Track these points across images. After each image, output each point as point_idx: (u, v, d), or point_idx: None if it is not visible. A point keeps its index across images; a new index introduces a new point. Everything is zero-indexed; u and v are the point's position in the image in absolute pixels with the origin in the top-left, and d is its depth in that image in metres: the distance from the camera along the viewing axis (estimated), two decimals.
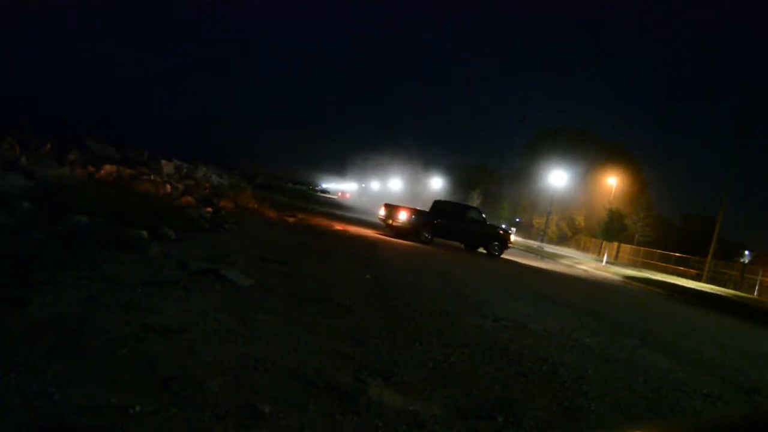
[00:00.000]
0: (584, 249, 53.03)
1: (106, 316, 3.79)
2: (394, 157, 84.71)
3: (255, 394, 3.00)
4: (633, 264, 41.26)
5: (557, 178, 43.39)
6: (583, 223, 57.49)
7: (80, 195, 9.23)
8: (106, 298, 4.15)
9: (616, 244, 47.31)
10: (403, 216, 17.82)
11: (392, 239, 17.03)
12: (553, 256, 30.15)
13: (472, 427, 3.17)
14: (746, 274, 35.29)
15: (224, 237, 9.40)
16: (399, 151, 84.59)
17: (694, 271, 37.41)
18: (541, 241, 43.98)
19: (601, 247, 47.29)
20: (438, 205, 19.28)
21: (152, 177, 15.19)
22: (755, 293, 31.11)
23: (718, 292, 23.89)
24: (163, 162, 20.26)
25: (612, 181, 49.85)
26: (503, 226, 26.56)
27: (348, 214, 30.17)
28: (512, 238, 20.69)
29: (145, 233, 6.89)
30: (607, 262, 34.45)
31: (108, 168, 13.79)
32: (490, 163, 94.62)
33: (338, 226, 18.62)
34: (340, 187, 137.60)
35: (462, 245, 19.06)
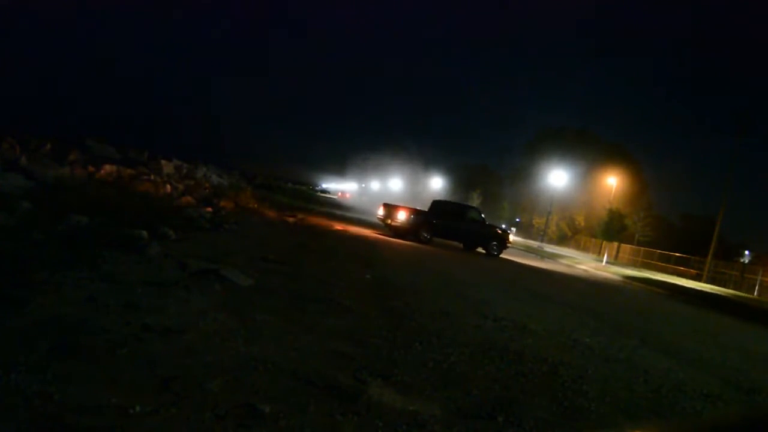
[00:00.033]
0: (584, 249, 53.02)
1: (106, 316, 3.79)
2: (394, 157, 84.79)
3: (255, 394, 3.00)
4: (633, 264, 41.25)
5: (557, 178, 43.38)
6: (583, 223, 57.48)
7: (80, 195, 9.22)
8: (106, 298, 4.15)
9: (616, 244, 47.31)
10: (402, 216, 17.81)
11: (392, 239, 17.03)
12: (553, 256, 30.15)
13: (472, 427, 3.17)
14: (746, 274, 35.29)
15: (224, 237, 9.40)
16: (399, 151, 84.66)
17: (694, 271, 37.41)
18: (541, 241, 43.96)
19: (601, 247, 47.29)
20: (437, 204, 19.27)
21: (152, 177, 15.19)
22: (755, 293, 31.10)
23: (718, 292, 23.89)
24: (163, 162, 20.28)
25: (612, 181, 49.83)
26: (503, 226, 26.56)
27: (348, 214, 30.17)
28: (511, 238, 20.69)
29: (145, 233, 6.89)
30: (607, 262, 34.45)
31: (108, 168, 13.80)
32: (490, 163, 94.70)
33: (338, 226, 18.62)
34: (340, 187, 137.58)
35: (461, 245, 19.06)
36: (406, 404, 3.27)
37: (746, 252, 50.73)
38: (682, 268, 38.87)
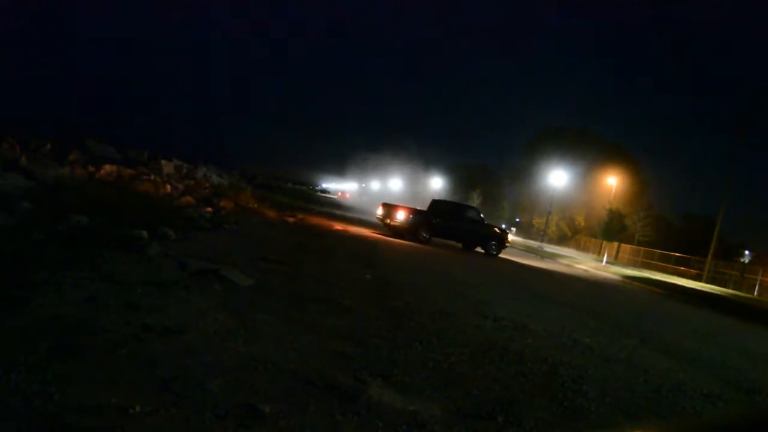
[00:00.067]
0: (584, 249, 53.01)
1: (106, 316, 3.79)
2: (394, 157, 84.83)
3: (255, 394, 3.00)
4: (633, 264, 41.25)
5: (557, 178, 43.38)
6: (583, 223, 57.49)
7: (80, 195, 9.22)
8: (106, 298, 4.15)
9: (616, 244, 47.32)
10: (401, 215, 17.81)
11: (391, 239, 17.02)
12: (553, 256, 30.15)
13: (472, 427, 3.17)
14: (746, 274, 35.29)
15: (224, 237, 9.41)
16: (399, 151, 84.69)
17: (695, 271, 37.41)
18: (541, 241, 43.95)
19: (601, 247, 47.31)
20: (436, 204, 19.27)
21: (152, 177, 15.19)
22: (755, 293, 31.10)
23: (718, 292, 23.89)
24: (163, 162, 20.27)
25: (612, 181, 49.86)
26: (503, 226, 26.55)
27: (348, 214, 30.17)
28: (510, 237, 20.67)
29: (145, 233, 6.88)
30: (607, 262, 34.45)
31: (108, 168, 13.79)
32: (490, 163, 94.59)
33: (338, 226, 18.63)
34: (340, 187, 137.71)
35: (460, 245, 19.06)
36: (406, 404, 3.27)
37: (746, 252, 50.75)
38: (682, 268, 38.86)
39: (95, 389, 2.70)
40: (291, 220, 16.87)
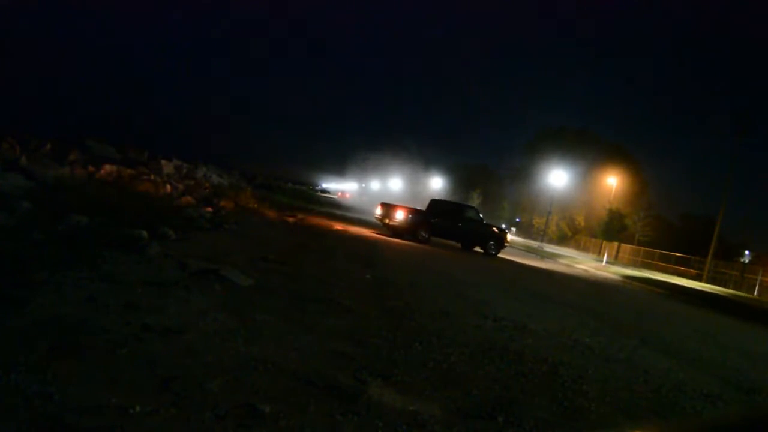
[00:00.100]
0: (584, 249, 53.01)
1: (106, 316, 3.79)
2: (394, 157, 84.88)
3: (255, 394, 3.00)
4: (633, 264, 41.25)
5: (557, 178, 43.39)
6: (583, 223, 57.49)
7: (80, 195, 9.22)
8: (106, 298, 4.15)
9: (616, 244, 47.33)
10: (400, 215, 17.79)
11: (391, 239, 17.02)
12: (553, 256, 30.15)
13: (472, 427, 3.17)
14: (746, 274, 35.29)
15: (224, 237, 9.41)
16: (399, 151, 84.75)
17: (695, 271, 37.41)
18: (541, 241, 43.95)
19: (601, 247, 47.31)
20: (435, 204, 19.25)
21: (152, 177, 15.19)
22: (755, 293, 31.10)
23: (719, 292, 23.89)
24: (163, 162, 20.27)
25: (612, 181, 49.86)
26: (503, 226, 26.57)
27: (348, 214, 30.17)
28: (510, 237, 20.66)
29: (145, 233, 6.88)
30: (607, 262, 34.45)
31: (108, 168, 13.78)
32: (490, 163, 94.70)
33: (338, 226, 18.63)
34: (340, 187, 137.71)
35: (458, 244, 19.06)
36: (406, 404, 3.27)
37: (746, 252, 50.75)
38: (682, 268, 38.86)
39: (95, 389, 2.70)
40: (291, 220, 16.87)
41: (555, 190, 43.53)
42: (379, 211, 19.03)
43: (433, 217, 18.06)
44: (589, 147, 53.91)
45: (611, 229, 47.66)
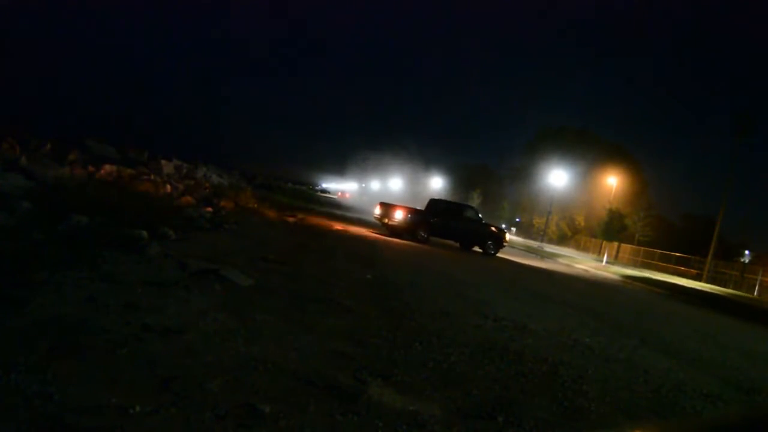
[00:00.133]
0: (584, 249, 53.03)
1: (106, 316, 3.79)
2: (394, 156, 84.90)
3: (255, 394, 3.00)
4: (633, 264, 41.26)
5: (557, 178, 43.37)
6: (583, 223, 57.49)
7: (80, 195, 9.21)
8: (106, 298, 4.15)
9: (616, 244, 47.33)
10: (399, 215, 17.78)
11: (390, 238, 17.02)
12: (552, 256, 30.14)
13: (472, 427, 3.17)
14: (746, 274, 35.30)
15: (224, 237, 9.41)
16: (399, 151, 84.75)
17: (695, 271, 37.42)
18: (541, 241, 43.96)
19: (601, 247, 47.32)
20: (434, 203, 19.26)
21: (152, 177, 15.19)
22: (755, 293, 31.11)
23: (719, 292, 23.90)
24: (163, 162, 20.28)
25: (612, 181, 49.85)
26: (502, 226, 26.57)
27: (348, 214, 30.18)
28: (509, 237, 20.66)
29: (145, 233, 6.88)
30: (607, 262, 34.46)
31: (108, 168, 13.78)
32: (490, 163, 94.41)
33: (338, 226, 18.63)
34: (340, 187, 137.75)
35: (457, 244, 19.06)
36: (406, 404, 3.27)
37: (746, 252, 50.76)
38: (682, 268, 38.87)
39: (95, 389, 2.70)
40: (291, 220, 16.87)
41: (555, 190, 43.52)
42: (378, 210, 19.01)
43: (432, 217, 18.07)
44: (589, 147, 53.90)
45: (611, 229, 47.63)
